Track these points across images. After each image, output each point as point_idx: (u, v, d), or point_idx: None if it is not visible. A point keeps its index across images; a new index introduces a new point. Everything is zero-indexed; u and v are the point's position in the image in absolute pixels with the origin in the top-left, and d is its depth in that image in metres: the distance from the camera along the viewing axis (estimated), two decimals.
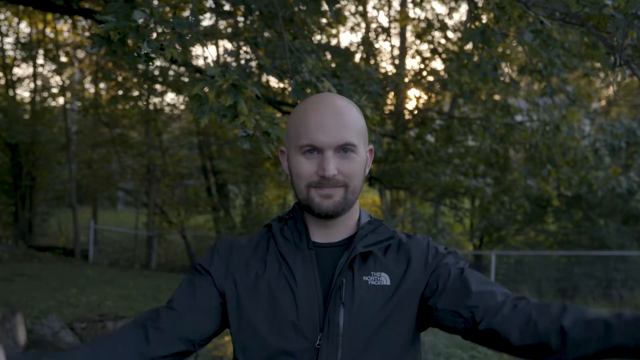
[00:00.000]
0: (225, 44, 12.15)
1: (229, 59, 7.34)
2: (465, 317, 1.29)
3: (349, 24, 12.94)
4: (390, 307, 1.31)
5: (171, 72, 10.38)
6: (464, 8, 10.70)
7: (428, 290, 1.34)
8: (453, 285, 1.32)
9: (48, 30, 15.43)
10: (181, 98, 14.68)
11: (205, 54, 16.73)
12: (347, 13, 12.26)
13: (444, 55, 9.83)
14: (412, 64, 18.86)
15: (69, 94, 16.30)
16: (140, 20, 2.11)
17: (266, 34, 5.59)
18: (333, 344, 1.28)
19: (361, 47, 11.92)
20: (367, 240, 1.36)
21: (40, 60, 15.92)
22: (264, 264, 1.36)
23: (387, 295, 1.32)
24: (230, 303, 1.35)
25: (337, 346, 1.27)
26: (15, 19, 15.27)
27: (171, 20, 2.20)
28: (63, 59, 15.48)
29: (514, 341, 1.23)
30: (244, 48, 7.01)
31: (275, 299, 1.32)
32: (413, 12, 12.85)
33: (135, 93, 14.12)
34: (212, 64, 2.44)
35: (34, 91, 16.23)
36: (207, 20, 9.79)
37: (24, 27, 16.24)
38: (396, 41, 14.18)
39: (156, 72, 10.18)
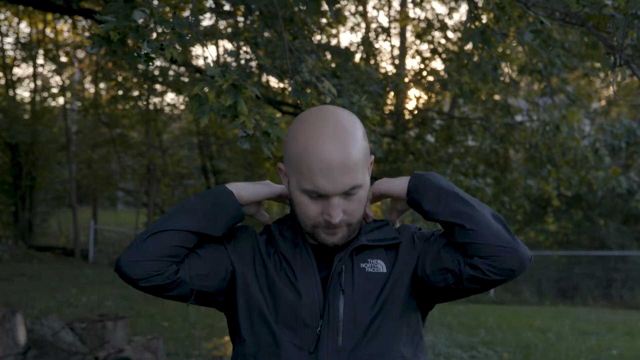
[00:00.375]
0: (225, 44, 12.13)
1: (229, 59, 7.34)
2: (452, 269, 1.32)
3: (349, 24, 12.93)
4: (387, 293, 1.34)
5: (171, 72, 10.36)
6: (464, 8, 10.69)
7: (419, 267, 1.38)
8: (433, 247, 1.37)
9: (48, 30, 15.42)
10: (181, 98, 14.66)
11: (205, 54, 16.72)
12: (347, 13, 12.24)
13: (444, 55, 9.81)
14: (412, 64, 18.84)
15: (69, 94, 16.29)
16: (140, 20, 2.11)
17: (266, 34, 5.59)
18: (333, 330, 1.30)
19: (361, 47, 11.90)
20: (372, 235, 1.39)
21: (40, 60, 15.92)
22: (268, 259, 1.40)
23: (384, 281, 1.35)
24: (240, 285, 1.37)
25: (338, 332, 1.30)
26: (15, 19, 15.25)
27: (171, 20, 2.20)
28: (63, 59, 15.47)
29: (472, 259, 1.29)
30: (244, 48, 6.99)
31: (276, 289, 1.35)
32: (413, 12, 12.78)
33: (135, 93, 14.10)
34: (212, 64, 2.44)
35: (34, 91, 16.21)
36: (207, 20, 9.77)
37: (24, 27, 16.22)
38: (396, 41, 14.18)
39: (156, 72, 10.17)
